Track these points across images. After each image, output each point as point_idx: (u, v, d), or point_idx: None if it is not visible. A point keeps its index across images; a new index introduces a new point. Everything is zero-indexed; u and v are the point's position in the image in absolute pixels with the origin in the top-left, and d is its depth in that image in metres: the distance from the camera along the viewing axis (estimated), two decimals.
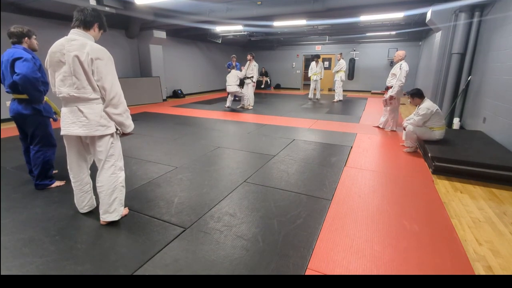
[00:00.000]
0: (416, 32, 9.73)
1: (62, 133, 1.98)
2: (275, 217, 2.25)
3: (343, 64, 9.18)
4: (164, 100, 9.60)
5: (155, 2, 5.80)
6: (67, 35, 1.89)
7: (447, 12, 5.13)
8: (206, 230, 2.07)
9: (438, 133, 3.69)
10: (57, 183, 2.79)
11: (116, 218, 2.11)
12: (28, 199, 2.53)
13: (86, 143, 2.06)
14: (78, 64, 1.80)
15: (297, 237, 1.98)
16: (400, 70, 4.70)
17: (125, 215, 2.25)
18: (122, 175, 2.11)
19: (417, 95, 3.81)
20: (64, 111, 1.95)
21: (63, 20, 6.63)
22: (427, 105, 3.68)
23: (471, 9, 4.87)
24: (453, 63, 5.18)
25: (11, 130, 5.24)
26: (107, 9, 5.86)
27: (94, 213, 2.29)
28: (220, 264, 1.71)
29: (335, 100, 9.32)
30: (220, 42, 11.85)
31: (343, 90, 12.87)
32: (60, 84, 1.87)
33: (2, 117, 5.87)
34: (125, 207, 2.27)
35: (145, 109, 7.70)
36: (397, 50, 11.92)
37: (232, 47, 14.25)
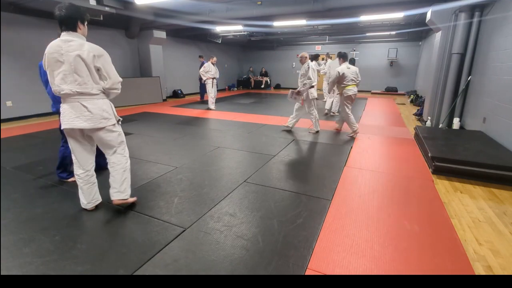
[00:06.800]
0: (416, 32, 9.74)
1: (65, 127, 2.05)
2: (275, 217, 2.25)
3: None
4: (164, 100, 9.60)
5: (155, 2, 5.80)
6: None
7: (447, 12, 5.13)
8: (206, 230, 2.07)
9: (351, 90, 4.64)
10: (73, 179, 2.85)
11: (126, 197, 2.29)
12: (28, 199, 2.53)
13: (88, 136, 2.17)
14: (81, 62, 1.93)
15: (297, 237, 1.98)
16: (309, 69, 4.67)
17: (134, 202, 2.40)
18: (129, 161, 2.33)
19: (342, 57, 4.85)
20: (64, 107, 2.03)
21: None
22: (339, 68, 4.70)
23: (471, 9, 4.86)
24: (453, 63, 5.17)
25: (11, 130, 5.24)
26: (107, 9, 5.86)
27: (94, 213, 2.29)
28: (220, 264, 1.71)
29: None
30: (220, 42, 11.85)
31: None
32: (60, 82, 1.95)
33: (2, 117, 5.87)
34: (125, 207, 2.31)
35: (145, 109, 7.70)
36: (396, 50, 12.03)
37: (232, 47, 14.25)
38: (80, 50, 1.92)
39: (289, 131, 5.16)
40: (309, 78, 4.67)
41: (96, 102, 2.05)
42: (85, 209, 2.33)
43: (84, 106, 2.00)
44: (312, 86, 4.80)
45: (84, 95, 1.99)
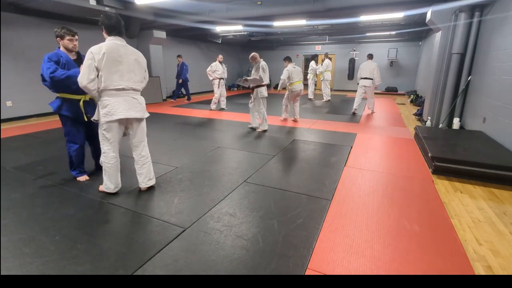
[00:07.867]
0: (416, 32, 9.73)
1: (121, 117, 2.31)
2: (275, 217, 2.25)
3: (330, 64, 9.47)
4: (164, 100, 9.59)
5: (155, 2, 5.80)
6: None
7: (447, 12, 5.12)
8: (206, 230, 2.07)
9: (297, 86, 5.59)
10: (82, 178, 2.96)
11: (154, 181, 2.75)
12: (28, 199, 2.53)
13: (125, 127, 2.49)
14: (138, 65, 2.41)
15: (297, 237, 1.98)
16: (259, 68, 5.02)
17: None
18: None
19: (287, 59, 5.82)
20: (116, 99, 2.31)
21: (63, 20, 6.62)
22: (288, 67, 5.61)
23: (471, 9, 4.86)
24: (453, 63, 5.17)
25: (11, 130, 5.24)
26: (107, 9, 5.86)
27: (94, 213, 2.29)
28: (220, 264, 1.71)
29: (325, 100, 9.52)
30: (220, 42, 11.84)
31: (343, 90, 12.96)
32: (118, 78, 2.29)
33: (2, 117, 5.87)
34: (125, 207, 2.34)
35: None
36: (396, 50, 12.03)
37: (232, 47, 14.25)
38: (136, 55, 2.40)
39: (286, 130, 5.17)
40: (260, 78, 4.92)
41: (140, 97, 2.50)
42: (85, 210, 2.34)
43: (136, 99, 2.42)
44: (262, 85, 5.09)
45: (135, 91, 2.43)
